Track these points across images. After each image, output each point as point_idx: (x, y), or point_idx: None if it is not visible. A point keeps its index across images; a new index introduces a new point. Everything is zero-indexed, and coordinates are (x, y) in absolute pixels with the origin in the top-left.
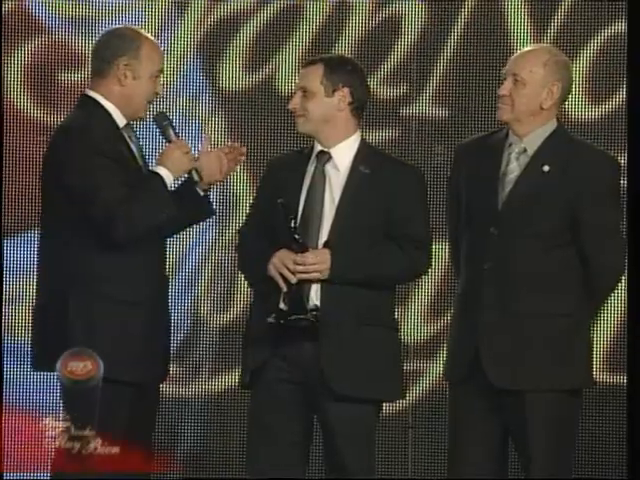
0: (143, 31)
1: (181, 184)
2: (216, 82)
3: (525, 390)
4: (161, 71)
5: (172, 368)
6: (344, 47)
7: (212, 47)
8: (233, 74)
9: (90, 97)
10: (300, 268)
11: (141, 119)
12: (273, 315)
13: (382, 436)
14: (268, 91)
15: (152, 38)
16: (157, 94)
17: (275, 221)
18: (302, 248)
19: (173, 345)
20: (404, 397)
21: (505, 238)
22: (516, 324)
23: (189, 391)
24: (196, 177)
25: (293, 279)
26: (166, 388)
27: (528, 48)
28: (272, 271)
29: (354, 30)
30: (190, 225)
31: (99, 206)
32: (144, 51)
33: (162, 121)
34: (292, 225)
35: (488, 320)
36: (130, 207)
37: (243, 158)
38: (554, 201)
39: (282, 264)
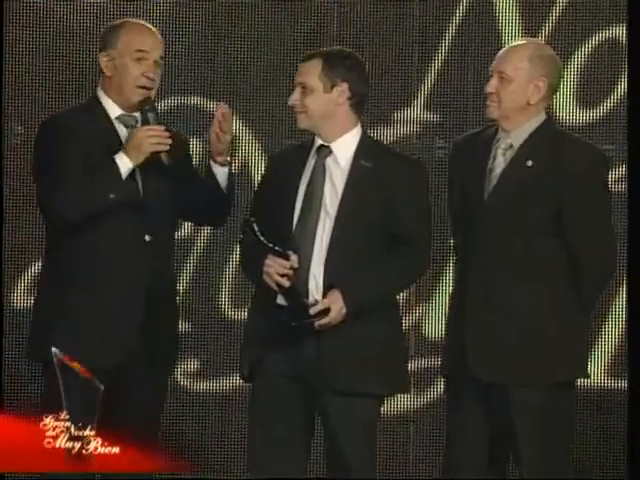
0: (133, 20)
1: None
2: (224, 63)
3: (513, 384)
4: (143, 51)
5: (189, 363)
6: (345, 32)
7: (219, 26)
8: (241, 55)
9: (95, 93)
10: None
11: (135, 105)
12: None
13: (398, 431)
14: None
15: (138, 22)
16: (148, 78)
17: (247, 241)
18: (284, 256)
19: (189, 339)
20: (407, 392)
21: (492, 233)
22: (504, 317)
23: (206, 386)
24: (165, 160)
25: (286, 284)
26: (185, 382)
27: (513, 44)
28: (267, 280)
29: (356, 16)
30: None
31: (41, 189)
32: (122, 38)
33: (144, 106)
34: (264, 240)
35: (476, 314)
36: (69, 189)
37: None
38: (539, 196)
39: (274, 271)
